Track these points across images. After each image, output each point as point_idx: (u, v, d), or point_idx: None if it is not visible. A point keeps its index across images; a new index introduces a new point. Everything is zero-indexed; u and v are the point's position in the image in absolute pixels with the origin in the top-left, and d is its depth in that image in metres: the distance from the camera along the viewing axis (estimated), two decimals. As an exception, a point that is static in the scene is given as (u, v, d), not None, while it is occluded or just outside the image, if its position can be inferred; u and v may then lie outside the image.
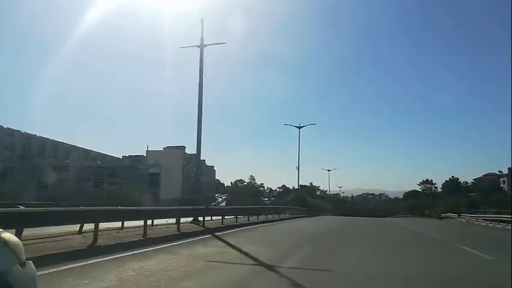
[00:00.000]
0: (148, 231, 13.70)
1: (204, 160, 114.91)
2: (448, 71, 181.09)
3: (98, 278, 6.56)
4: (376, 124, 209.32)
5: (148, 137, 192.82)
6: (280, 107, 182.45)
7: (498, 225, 33.09)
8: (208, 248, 11.56)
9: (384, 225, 32.48)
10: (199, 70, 22.41)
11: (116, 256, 8.96)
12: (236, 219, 23.51)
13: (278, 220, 31.24)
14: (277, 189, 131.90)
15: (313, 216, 46.94)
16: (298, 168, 51.66)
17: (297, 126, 52.53)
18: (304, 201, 55.58)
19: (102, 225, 11.97)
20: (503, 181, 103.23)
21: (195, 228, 17.59)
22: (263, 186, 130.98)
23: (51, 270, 6.76)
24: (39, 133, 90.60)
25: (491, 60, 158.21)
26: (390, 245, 14.48)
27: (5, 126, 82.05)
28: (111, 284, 6.22)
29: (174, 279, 6.75)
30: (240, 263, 9.24)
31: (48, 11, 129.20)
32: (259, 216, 29.05)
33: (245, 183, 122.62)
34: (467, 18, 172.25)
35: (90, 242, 10.46)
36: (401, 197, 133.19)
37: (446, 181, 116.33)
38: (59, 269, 7.04)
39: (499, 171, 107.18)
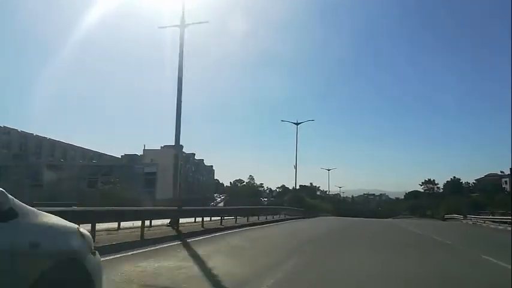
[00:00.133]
0: (106, 237, 11.00)
1: (203, 160, 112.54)
2: (448, 71, 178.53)
3: None
4: (376, 124, 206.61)
5: (149, 137, 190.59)
6: (279, 106, 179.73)
7: (509, 228, 30.48)
8: (162, 262, 8.65)
9: (387, 227, 29.61)
10: (179, 54, 19.56)
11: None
12: (221, 222, 20.73)
13: (271, 222, 28.38)
14: (277, 189, 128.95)
15: (311, 217, 44.02)
16: (295, 167, 48.78)
17: (294, 123, 49.82)
18: (302, 201, 52.38)
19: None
20: (505, 181, 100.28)
21: (167, 232, 14.74)
22: (262, 186, 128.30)
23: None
24: (39, 132, 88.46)
25: (492, 60, 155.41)
26: (399, 256, 11.65)
27: (1, 125, 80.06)
28: None
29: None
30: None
31: (48, 11, 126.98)
32: (250, 218, 26.47)
33: (244, 183, 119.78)
34: (467, 18, 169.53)
35: None
36: (402, 197, 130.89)
37: (447, 181, 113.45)
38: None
39: (501, 172, 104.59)
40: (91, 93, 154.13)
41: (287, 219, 34.21)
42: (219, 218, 21.28)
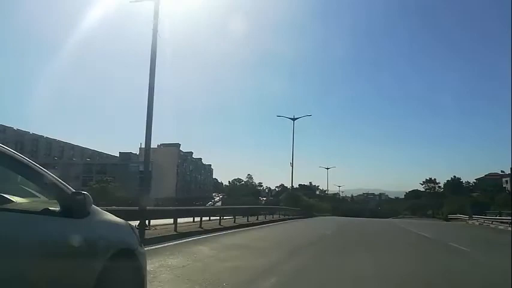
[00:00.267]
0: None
1: (201, 158, 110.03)
2: (448, 70, 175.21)
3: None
4: (376, 123, 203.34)
5: (156, 136, 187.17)
6: (279, 105, 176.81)
7: (509, 228, 28.73)
8: None
9: (389, 230, 26.71)
10: (153, 29, 16.59)
11: None
12: (200, 224, 17.86)
13: (262, 223, 25.50)
14: (276, 189, 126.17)
15: (308, 217, 41.17)
16: (292, 164, 45.85)
17: (291, 118, 46.93)
18: (299, 200, 49.29)
19: None
20: (506, 181, 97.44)
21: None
22: (261, 186, 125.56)
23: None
24: (37, 131, 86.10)
25: (492, 60, 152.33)
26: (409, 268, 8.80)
27: (-3, 124, 78.04)
28: None
29: None
30: None
31: (48, 10, 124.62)
32: (242, 219, 23.66)
33: (243, 182, 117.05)
34: (467, 18, 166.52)
35: None
36: (402, 197, 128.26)
37: (447, 181, 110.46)
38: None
39: (501, 171, 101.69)
40: (90, 92, 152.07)
41: (281, 220, 31.34)
42: (208, 218, 20.31)
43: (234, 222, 22.13)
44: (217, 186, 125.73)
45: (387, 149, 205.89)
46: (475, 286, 7.28)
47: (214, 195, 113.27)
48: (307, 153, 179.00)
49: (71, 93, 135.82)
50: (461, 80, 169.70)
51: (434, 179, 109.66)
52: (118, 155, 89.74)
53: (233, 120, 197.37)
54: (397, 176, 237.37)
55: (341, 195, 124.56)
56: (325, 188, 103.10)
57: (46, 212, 3.10)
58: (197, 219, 19.12)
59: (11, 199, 3.28)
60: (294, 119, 46.52)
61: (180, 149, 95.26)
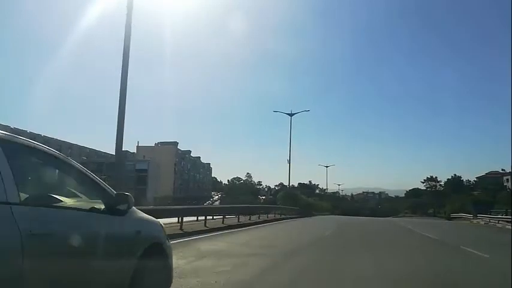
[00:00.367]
0: None
1: (199, 157, 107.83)
2: (448, 69, 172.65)
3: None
4: (376, 122, 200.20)
5: (148, 133, 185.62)
6: (279, 104, 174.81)
7: (508, 226, 27.31)
8: None
9: (392, 230, 24.60)
10: (127, 18, 14.28)
11: None
12: (180, 227, 15.75)
13: (255, 223, 23.42)
14: (275, 187, 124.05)
15: (306, 216, 39.02)
16: (289, 161, 43.72)
17: (288, 114, 44.83)
18: (296, 199, 46.98)
19: None
20: (507, 179, 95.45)
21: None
22: (261, 184, 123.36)
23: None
24: (36, 131, 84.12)
25: (493, 59, 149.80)
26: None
27: (-6, 122, 76.33)
28: None
29: None
30: None
31: (48, 10, 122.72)
32: (234, 219, 21.63)
33: (242, 181, 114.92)
34: (468, 17, 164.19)
35: None
36: (402, 195, 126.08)
37: (448, 179, 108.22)
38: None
39: (502, 170, 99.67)
40: (89, 91, 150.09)
41: (277, 220, 29.23)
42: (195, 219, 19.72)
43: (223, 223, 20.07)
44: (216, 185, 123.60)
45: (387, 147, 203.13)
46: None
47: (213, 194, 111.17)
48: (307, 152, 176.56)
49: (69, 91, 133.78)
50: (461, 79, 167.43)
51: (436, 177, 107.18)
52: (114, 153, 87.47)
53: (233, 119, 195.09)
54: (397, 174, 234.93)
55: (341, 193, 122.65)
56: (325, 187, 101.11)
57: (93, 210, 3.66)
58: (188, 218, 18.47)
59: (60, 199, 3.51)
60: (291, 115, 44.47)
61: (178, 147, 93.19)
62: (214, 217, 22.35)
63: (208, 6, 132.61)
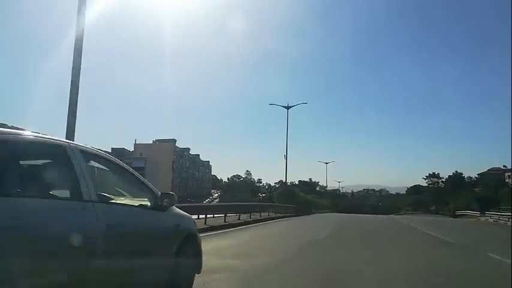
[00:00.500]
0: None
1: (198, 155, 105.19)
2: (450, 66, 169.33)
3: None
4: (377, 119, 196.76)
5: (149, 132, 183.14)
6: (279, 103, 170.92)
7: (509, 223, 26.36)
8: None
9: (396, 229, 21.82)
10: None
11: None
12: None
13: (244, 224, 20.64)
14: (275, 185, 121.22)
15: (303, 215, 36.16)
16: (285, 157, 40.94)
17: (284, 107, 41.98)
18: (294, 196, 43.97)
19: None
20: (508, 176, 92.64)
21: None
22: (261, 182, 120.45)
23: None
24: (34, 129, 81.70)
25: (494, 56, 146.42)
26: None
27: (-10, 120, 74.13)
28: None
29: None
30: None
31: (48, 9, 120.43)
32: (227, 218, 18.89)
33: (241, 178, 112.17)
34: (469, 15, 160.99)
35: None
36: (402, 192, 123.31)
37: (449, 176, 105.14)
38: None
39: (504, 166, 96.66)
40: (87, 90, 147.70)
41: (271, 219, 26.45)
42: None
43: (205, 223, 17.29)
44: (216, 183, 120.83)
45: (388, 144, 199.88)
46: None
47: (213, 192, 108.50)
48: (307, 150, 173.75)
49: (68, 90, 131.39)
50: (462, 76, 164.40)
51: (438, 173, 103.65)
52: (110, 151, 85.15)
53: (233, 118, 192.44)
54: (398, 171, 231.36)
55: (341, 191, 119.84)
56: (325, 184, 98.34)
57: (141, 206, 4.33)
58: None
59: (111, 197, 4.04)
60: (287, 108, 41.65)
61: (177, 145, 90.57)
62: (202, 216, 19.57)
63: (208, 6, 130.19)
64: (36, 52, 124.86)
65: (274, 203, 42.18)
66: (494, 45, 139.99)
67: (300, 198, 44.96)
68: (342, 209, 70.74)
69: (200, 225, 16.23)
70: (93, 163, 3.81)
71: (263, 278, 6.72)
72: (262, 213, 26.77)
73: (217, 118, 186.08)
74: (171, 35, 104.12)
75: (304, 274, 7.31)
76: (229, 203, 25.80)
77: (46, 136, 3.43)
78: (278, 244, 12.15)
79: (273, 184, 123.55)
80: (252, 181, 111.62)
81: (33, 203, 2.89)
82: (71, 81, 11.71)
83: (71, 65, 11.44)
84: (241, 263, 8.03)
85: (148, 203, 4.33)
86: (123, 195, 4.37)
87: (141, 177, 4.37)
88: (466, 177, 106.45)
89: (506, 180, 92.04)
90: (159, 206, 4.38)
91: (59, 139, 3.54)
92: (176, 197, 4.69)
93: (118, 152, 78.31)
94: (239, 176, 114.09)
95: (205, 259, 5.54)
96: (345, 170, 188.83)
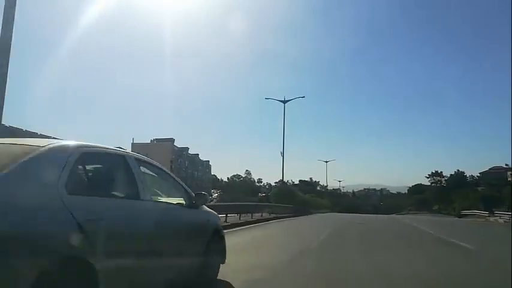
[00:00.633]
0: None
1: (198, 154, 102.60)
2: (452, 64, 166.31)
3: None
4: (378, 118, 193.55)
5: (149, 132, 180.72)
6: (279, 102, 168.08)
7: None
8: None
9: (404, 233, 19.05)
10: None
11: None
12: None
13: (230, 227, 17.91)
14: (276, 184, 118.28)
15: (301, 215, 33.43)
16: (282, 154, 38.25)
17: (281, 101, 39.25)
18: (292, 195, 41.08)
19: None
20: (511, 174, 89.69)
21: None
22: (261, 181, 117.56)
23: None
24: (32, 129, 79.58)
25: (497, 53, 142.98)
26: None
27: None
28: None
29: None
30: None
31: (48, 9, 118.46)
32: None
33: (241, 178, 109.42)
34: (471, 12, 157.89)
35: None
36: (403, 191, 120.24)
37: (451, 175, 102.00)
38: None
39: (506, 165, 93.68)
40: (86, 89, 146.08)
41: (264, 220, 23.68)
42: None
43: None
44: (216, 182, 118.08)
45: (388, 143, 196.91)
46: None
47: (213, 192, 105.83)
48: (308, 149, 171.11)
49: (66, 89, 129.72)
50: (464, 73, 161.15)
51: (441, 172, 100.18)
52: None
53: (233, 117, 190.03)
54: (398, 170, 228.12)
55: (342, 190, 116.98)
56: (326, 184, 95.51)
57: (179, 204, 4.92)
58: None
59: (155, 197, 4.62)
60: (284, 102, 38.98)
61: (176, 144, 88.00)
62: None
63: (208, 6, 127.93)
64: (36, 52, 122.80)
65: (271, 202, 39.45)
66: (496, 42, 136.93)
67: (298, 198, 42.03)
68: (342, 209, 67.97)
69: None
70: (142, 168, 4.39)
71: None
72: (255, 214, 24.01)
73: (217, 118, 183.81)
74: (171, 34, 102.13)
75: None
76: (218, 203, 23.10)
77: (110, 147, 4.13)
78: (259, 255, 9.38)
79: (273, 184, 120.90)
80: (252, 181, 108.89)
81: (106, 202, 3.59)
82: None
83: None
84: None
85: (183, 202, 4.99)
86: (160, 195, 4.90)
87: (179, 180, 5.24)
88: (468, 176, 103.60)
89: (509, 179, 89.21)
90: (193, 204, 5.10)
91: (119, 149, 4.35)
92: (208, 197, 5.57)
93: (114, 152, 75.87)
94: (239, 175, 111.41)
95: None
96: (345, 170, 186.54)
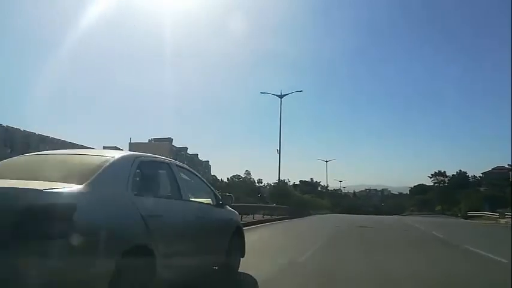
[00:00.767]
0: None
1: (197, 154, 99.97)
2: (453, 63, 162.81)
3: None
4: (379, 118, 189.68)
5: (148, 132, 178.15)
6: (279, 102, 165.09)
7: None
8: None
9: (415, 237, 16.14)
10: None
11: None
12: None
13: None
14: (276, 185, 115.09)
15: (299, 217, 30.57)
16: (278, 151, 35.41)
17: (277, 95, 36.42)
18: (289, 196, 37.91)
19: None
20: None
21: None
22: (261, 182, 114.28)
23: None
24: (30, 129, 77.48)
25: (498, 53, 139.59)
26: None
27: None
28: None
29: None
30: None
31: (48, 10, 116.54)
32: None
33: (241, 178, 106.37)
34: (472, 11, 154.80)
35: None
36: (404, 192, 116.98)
37: (453, 175, 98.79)
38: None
39: (508, 165, 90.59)
40: (86, 89, 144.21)
41: (255, 223, 20.93)
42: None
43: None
44: (216, 183, 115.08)
45: (388, 143, 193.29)
46: None
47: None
48: (308, 150, 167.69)
49: (66, 89, 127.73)
50: (465, 73, 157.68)
51: (444, 171, 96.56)
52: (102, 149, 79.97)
53: (233, 118, 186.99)
54: (399, 171, 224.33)
55: (343, 191, 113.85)
56: (326, 184, 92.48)
57: (208, 204, 5.59)
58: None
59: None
60: (281, 96, 36.14)
61: (174, 144, 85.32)
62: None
63: (208, 6, 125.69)
64: (36, 52, 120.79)
65: (267, 203, 36.61)
66: (496, 42, 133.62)
67: (295, 198, 38.90)
68: (342, 210, 65.07)
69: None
70: (181, 173, 5.06)
71: None
72: (245, 217, 21.16)
73: (217, 118, 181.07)
74: (171, 34, 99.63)
75: None
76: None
77: (158, 156, 4.96)
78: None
79: (272, 184, 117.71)
80: (251, 181, 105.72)
81: (160, 201, 4.38)
82: None
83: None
84: None
85: (211, 202, 5.68)
86: (194, 196, 5.32)
87: (208, 183, 6.05)
88: (470, 176, 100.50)
89: (511, 179, 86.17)
90: (220, 204, 5.85)
91: (164, 158, 5.14)
92: (233, 198, 6.43)
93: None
94: (239, 176, 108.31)
95: None
96: (346, 170, 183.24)
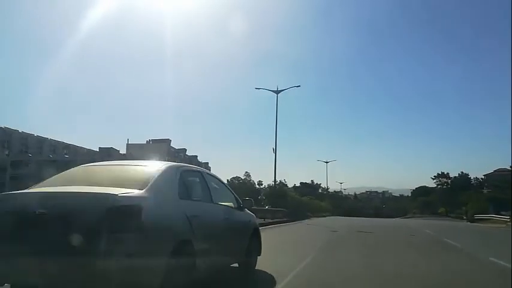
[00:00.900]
0: None
1: (196, 156, 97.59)
2: (453, 65, 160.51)
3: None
4: (380, 120, 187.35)
5: (148, 133, 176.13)
6: (280, 102, 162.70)
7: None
8: None
9: (424, 243, 13.53)
10: None
11: None
12: None
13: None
14: (277, 187, 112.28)
15: (296, 220, 28.00)
16: (274, 150, 32.95)
17: (273, 91, 34.03)
18: (285, 197, 35.38)
19: None
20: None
21: None
22: (261, 184, 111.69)
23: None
24: (28, 130, 76.25)
25: (499, 54, 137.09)
26: None
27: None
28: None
29: None
30: None
31: (48, 11, 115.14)
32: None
33: (241, 180, 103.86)
34: (472, 12, 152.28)
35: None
36: (405, 194, 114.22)
37: (455, 177, 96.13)
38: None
39: (510, 167, 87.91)
40: (86, 90, 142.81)
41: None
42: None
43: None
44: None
45: (389, 145, 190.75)
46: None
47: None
48: (309, 152, 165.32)
49: (65, 90, 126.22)
50: (466, 74, 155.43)
51: (447, 173, 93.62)
52: (98, 150, 77.70)
53: (233, 119, 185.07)
54: (400, 173, 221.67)
55: (343, 193, 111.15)
56: (326, 185, 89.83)
57: (230, 206, 6.17)
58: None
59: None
60: (277, 92, 33.75)
61: (173, 145, 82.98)
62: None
63: (208, 6, 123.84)
64: (36, 53, 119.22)
65: (263, 206, 34.03)
66: (496, 42, 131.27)
67: (292, 200, 36.35)
68: (343, 212, 62.50)
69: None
70: (210, 179, 5.85)
71: None
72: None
73: (217, 119, 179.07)
74: (171, 35, 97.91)
75: None
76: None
77: (194, 166, 6.17)
78: None
79: (267, 185, 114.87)
80: (251, 183, 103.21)
81: (197, 203, 5.08)
82: None
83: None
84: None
85: (232, 205, 6.28)
86: (219, 199, 5.91)
87: (230, 188, 6.56)
88: (472, 178, 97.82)
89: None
90: (240, 207, 6.46)
91: (197, 167, 6.16)
92: (253, 202, 7.10)
93: (106, 152, 71.08)
94: (239, 177, 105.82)
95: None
96: (346, 172, 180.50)
